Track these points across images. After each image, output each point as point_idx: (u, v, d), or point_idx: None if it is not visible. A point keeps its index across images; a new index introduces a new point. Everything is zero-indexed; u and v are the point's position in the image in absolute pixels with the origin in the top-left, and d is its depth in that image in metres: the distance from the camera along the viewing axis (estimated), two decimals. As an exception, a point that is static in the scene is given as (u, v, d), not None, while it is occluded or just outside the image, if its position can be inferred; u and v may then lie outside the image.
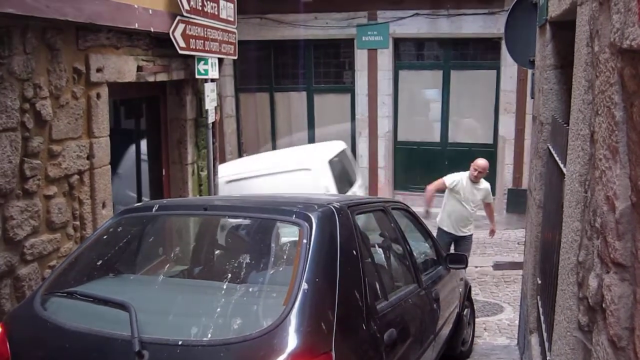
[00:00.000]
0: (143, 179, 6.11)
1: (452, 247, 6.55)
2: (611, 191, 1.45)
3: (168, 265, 3.45)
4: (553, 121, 3.41)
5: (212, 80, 6.48)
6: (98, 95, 4.57)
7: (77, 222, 4.36)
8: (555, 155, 3.05)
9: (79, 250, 3.18)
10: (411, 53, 10.65)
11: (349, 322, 2.60)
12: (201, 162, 6.67)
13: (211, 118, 6.55)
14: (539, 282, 3.69)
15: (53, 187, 4.06)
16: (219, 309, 2.60)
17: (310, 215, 2.79)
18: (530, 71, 6.30)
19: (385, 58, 10.12)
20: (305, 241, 2.67)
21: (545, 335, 3.19)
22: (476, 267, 7.74)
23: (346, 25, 10.12)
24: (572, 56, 2.41)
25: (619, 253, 1.36)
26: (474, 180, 6.33)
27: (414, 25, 9.90)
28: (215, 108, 6.70)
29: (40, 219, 3.94)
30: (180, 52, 5.62)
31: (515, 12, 5.08)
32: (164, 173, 6.26)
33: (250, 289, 2.73)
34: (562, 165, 2.68)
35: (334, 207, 2.98)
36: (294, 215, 2.87)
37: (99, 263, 3.16)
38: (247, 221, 3.36)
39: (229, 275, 2.83)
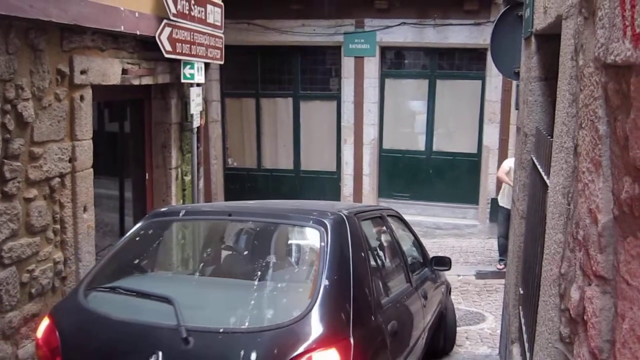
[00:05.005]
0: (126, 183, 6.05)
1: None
2: (594, 204, 1.45)
3: (198, 265, 3.86)
4: (537, 133, 3.44)
5: (198, 84, 6.45)
6: (82, 98, 4.52)
7: (58, 226, 4.29)
8: (538, 167, 3.07)
9: (113, 250, 3.51)
10: (397, 61, 10.69)
11: (362, 313, 2.94)
12: (185, 166, 6.62)
13: (196, 122, 6.51)
14: (521, 292, 3.71)
15: (33, 189, 4.00)
16: (252, 302, 2.97)
17: (325, 221, 3.18)
18: (515, 82, 6.36)
19: (371, 66, 10.16)
20: (323, 244, 3.05)
21: (526, 345, 3.20)
22: (459, 275, 7.76)
23: (333, 32, 10.14)
24: (556, 69, 2.43)
25: (601, 266, 1.37)
26: None
27: (401, 34, 9.96)
28: (201, 112, 6.67)
29: (20, 222, 3.87)
30: (166, 55, 5.59)
31: (501, 23, 5.12)
32: (147, 177, 6.20)
33: (278, 285, 3.14)
34: (545, 177, 2.70)
35: (344, 214, 3.36)
36: (311, 221, 3.25)
37: (134, 262, 3.55)
38: (270, 226, 3.66)
39: (258, 273, 3.25)
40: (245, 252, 3.79)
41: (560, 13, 2.36)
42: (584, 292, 1.53)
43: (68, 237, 4.39)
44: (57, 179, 4.26)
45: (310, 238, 3.27)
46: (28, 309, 3.98)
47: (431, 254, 5.00)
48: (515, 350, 3.78)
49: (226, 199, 10.85)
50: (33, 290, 4.02)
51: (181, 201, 6.53)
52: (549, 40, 3.34)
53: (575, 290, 1.64)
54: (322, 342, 2.62)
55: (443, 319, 5.07)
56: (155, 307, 2.89)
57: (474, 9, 9.52)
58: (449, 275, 7.38)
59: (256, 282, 3.15)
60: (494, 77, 9.36)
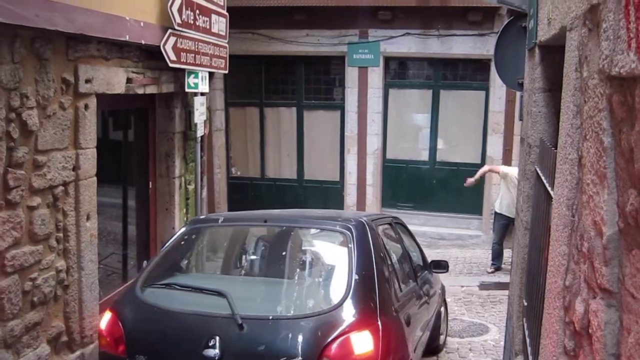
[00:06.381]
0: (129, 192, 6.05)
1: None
2: (599, 216, 1.44)
3: (241, 264, 4.24)
4: (541, 144, 3.43)
5: (202, 93, 6.46)
6: (86, 106, 4.53)
7: (60, 234, 4.29)
8: (542, 178, 3.05)
9: (161, 253, 3.94)
10: (401, 72, 10.71)
11: (385, 304, 3.40)
12: (189, 175, 6.63)
13: (200, 132, 6.52)
14: (525, 304, 3.68)
15: (37, 198, 4.00)
16: (295, 294, 3.52)
17: (350, 226, 3.69)
18: (518, 93, 6.36)
19: (375, 76, 10.18)
20: (350, 245, 3.54)
21: (530, 358, 3.17)
22: (462, 286, 7.73)
23: (337, 42, 10.17)
24: (560, 80, 2.42)
25: (606, 279, 1.36)
26: None
27: (405, 44, 9.98)
28: (205, 122, 6.68)
29: (23, 230, 3.87)
30: (171, 65, 5.61)
31: (505, 34, 5.13)
32: (150, 186, 6.21)
33: (315, 280, 3.68)
34: (549, 188, 2.69)
35: (364, 220, 3.87)
36: (338, 226, 3.77)
37: (182, 263, 4.02)
38: (302, 231, 4.14)
39: (297, 270, 3.78)
40: (283, 253, 4.12)
41: (564, 24, 2.36)
42: (588, 305, 1.52)
43: (71, 245, 4.39)
44: (61, 187, 4.26)
45: (339, 240, 3.71)
46: (30, 317, 3.97)
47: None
48: (519, 362, 3.75)
49: (229, 209, 10.84)
50: (35, 299, 4.01)
51: (184, 210, 6.53)
52: (552, 52, 3.34)
53: (579, 303, 1.63)
54: (357, 326, 3.11)
55: (440, 318, 5.43)
56: (209, 300, 3.33)
57: (477, 19, 9.54)
58: (452, 286, 7.38)
59: (296, 278, 3.69)
60: (498, 87, 9.36)
